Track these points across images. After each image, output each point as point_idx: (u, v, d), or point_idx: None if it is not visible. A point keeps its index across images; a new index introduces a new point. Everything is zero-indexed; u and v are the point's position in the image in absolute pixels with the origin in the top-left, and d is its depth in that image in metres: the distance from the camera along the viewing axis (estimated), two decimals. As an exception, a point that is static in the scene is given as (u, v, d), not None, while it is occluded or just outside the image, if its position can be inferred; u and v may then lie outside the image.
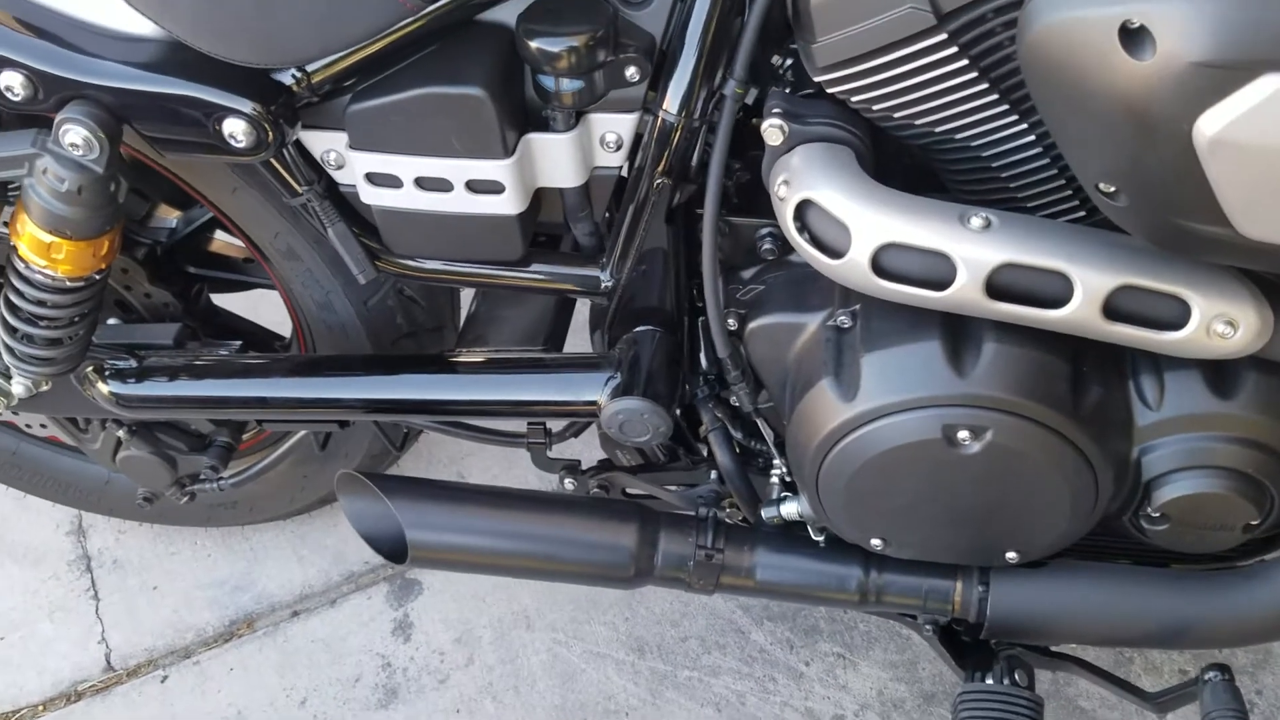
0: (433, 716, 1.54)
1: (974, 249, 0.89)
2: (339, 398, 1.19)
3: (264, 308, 1.48)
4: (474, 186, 1.01)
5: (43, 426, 1.54)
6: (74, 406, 1.29)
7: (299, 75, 0.96)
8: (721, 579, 1.16)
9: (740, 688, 1.53)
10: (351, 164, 1.03)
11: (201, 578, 1.70)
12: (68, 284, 1.06)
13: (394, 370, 1.19)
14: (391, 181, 1.02)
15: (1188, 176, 0.74)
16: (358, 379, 1.19)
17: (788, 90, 1.01)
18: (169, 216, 1.39)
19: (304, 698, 1.57)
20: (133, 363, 1.23)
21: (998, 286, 0.90)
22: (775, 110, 0.96)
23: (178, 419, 1.32)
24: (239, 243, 1.43)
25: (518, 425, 1.28)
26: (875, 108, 0.93)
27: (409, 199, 1.03)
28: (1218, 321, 0.88)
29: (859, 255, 0.92)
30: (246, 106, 0.94)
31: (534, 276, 1.13)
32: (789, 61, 1.02)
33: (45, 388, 1.22)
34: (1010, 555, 1.06)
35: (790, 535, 1.18)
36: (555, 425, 1.28)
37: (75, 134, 0.95)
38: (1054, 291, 0.90)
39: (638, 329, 1.14)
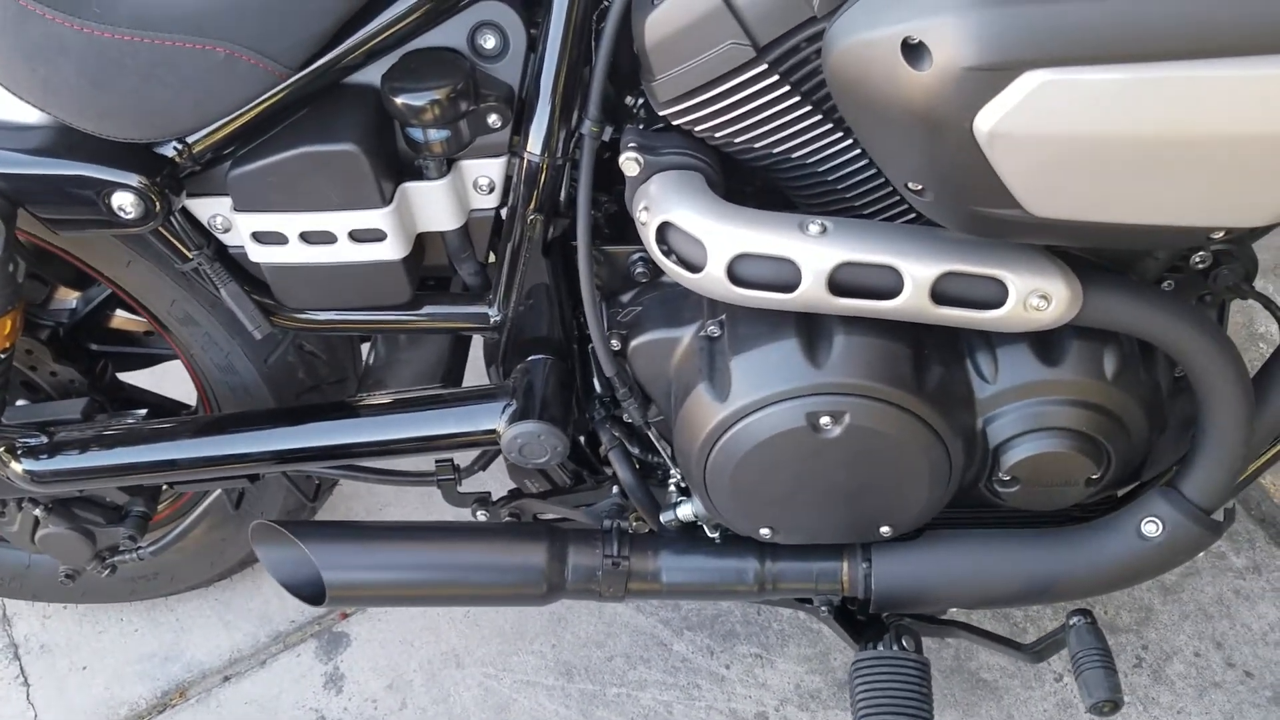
0: (371, 762, 1.57)
1: (814, 252, 0.99)
2: (246, 452, 1.25)
3: (168, 381, 1.53)
4: (357, 236, 1.09)
5: (-42, 515, 1.56)
6: (-12, 487, 1.32)
7: (180, 147, 1.03)
8: (630, 585, 1.23)
9: (666, 697, 1.59)
10: (237, 226, 1.10)
11: (130, 653, 1.72)
12: (-30, 365, 1.10)
13: (298, 420, 1.24)
14: (277, 239, 1.09)
15: (977, 168, 0.84)
16: (263, 432, 1.25)
17: (641, 126, 1.10)
18: (68, 298, 1.43)
19: (242, 758, 1.59)
20: (44, 439, 1.27)
21: (838, 284, 1.00)
22: (631, 145, 1.06)
23: (93, 490, 1.35)
24: (138, 318, 1.49)
25: (427, 464, 1.34)
26: (716, 135, 1.03)
27: (296, 254, 1.10)
28: (1033, 296, 0.98)
29: (715, 268, 1.01)
30: (133, 180, 1.00)
31: (425, 318, 1.20)
32: (640, 100, 1.11)
33: (-42, 469, 1.25)
34: (884, 529, 1.15)
35: (690, 538, 1.26)
36: (463, 460, 1.34)
37: (-31, 221, 1.00)
38: (887, 284, 1.00)
39: (530, 359, 1.22)
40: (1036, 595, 1.17)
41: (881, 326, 1.04)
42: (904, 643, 1.18)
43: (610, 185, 1.17)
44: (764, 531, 1.16)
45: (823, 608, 1.27)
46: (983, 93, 0.80)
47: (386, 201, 1.06)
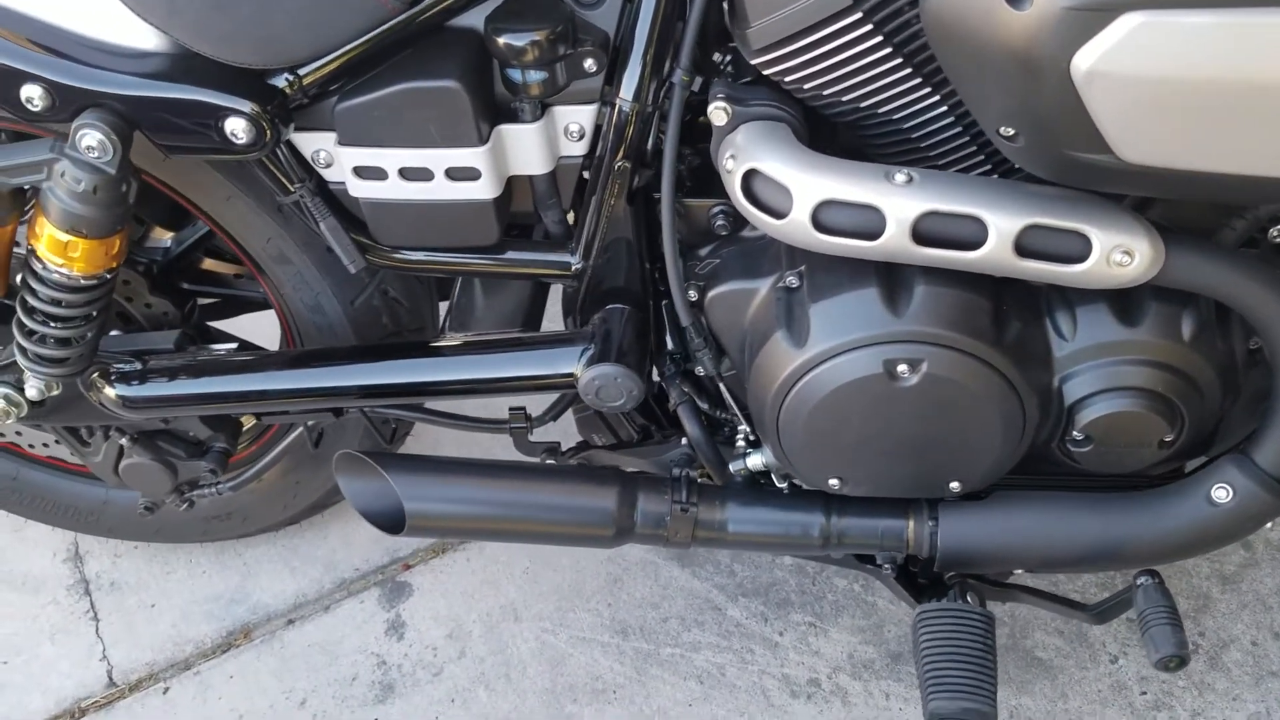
0: (429, 708, 1.61)
1: (899, 201, 1.01)
2: (331, 386, 1.29)
3: (253, 334, 1.57)
4: (453, 174, 1.12)
5: (45, 446, 1.62)
6: (82, 414, 1.37)
7: (291, 78, 1.08)
8: (697, 532, 1.26)
9: (720, 660, 1.61)
10: (340, 160, 1.14)
11: (198, 594, 1.77)
12: (82, 282, 1.15)
13: (382, 357, 1.29)
14: (377, 174, 1.13)
15: (1071, 110, 0.86)
16: (348, 367, 1.29)
17: (729, 80, 1.13)
18: (163, 238, 1.49)
19: (303, 699, 1.63)
20: (137, 365, 1.32)
21: (922, 233, 1.02)
22: (719, 95, 1.09)
23: (181, 417, 1.40)
24: (229, 264, 1.54)
25: (500, 412, 1.38)
26: (805, 86, 1.05)
27: (394, 190, 1.14)
28: (1116, 252, 1.00)
29: (800, 214, 1.04)
30: (246, 106, 1.05)
31: (509, 263, 1.24)
32: (729, 58, 1.14)
33: (56, 391, 1.30)
34: (954, 485, 1.16)
35: (757, 490, 1.28)
36: (535, 410, 1.38)
37: (91, 137, 1.05)
38: (971, 234, 1.02)
39: (608, 307, 1.25)
40: (1102, 559, 1.19)
41: (962, 279, 1.06)
42: (969, 598, 1.20)
43: (694, 140, 1.20)
44: (833, 482, 1.18)
45: (885, 565, 1.28)
46: (1082, 32, 0.82)
47: (483, 141, 1.10)
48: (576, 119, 1.14)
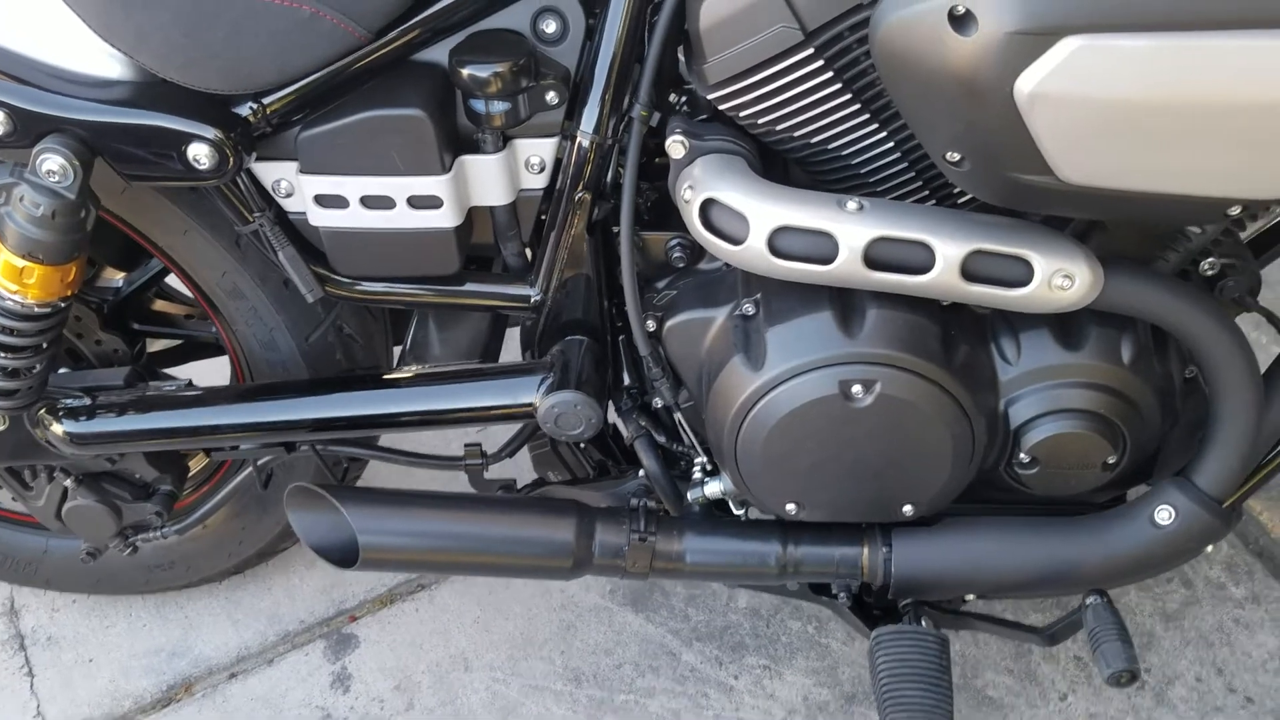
0: (376, 760, 1.57)
1: (851, 227, 1.05)
2: (283, 420, 1.28)
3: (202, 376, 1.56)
4: (415, 202, 1.14)
5: (-17, 493, 1.58)
6: (27, 452, 1.35)
7: (256, 106, 1.09)
8: (655, 562, 1.26)
9: (675, 705, 1.60)
10: (301, 189, 1.15)
11: (138, 647, 1.72)
12: (35, 310, 1.14)
13: (336, 390, 1.28)
14: (338, 202, 1.14)
15: (1014, 133, 0.90)
16: (301, 400, 1.28)
17: (686, 117, 1.17)
18: (114, 278, 1.48)
19: (246, 754, 1.59)
20: (85, 401, 1.30)
21: (873, 258, 1.05)
22: (677, 130, 1.12)
23: (129, 454, 1.38)
24: (179, 305, 1.53)
25: (455, 449, 1.38)
26: (759, 121, 1.09)
27: (355, 218, 1.15)
28: (1057, 276, 1.04)
29: (757, 240, 1.07)
30: (209, 133, 1.06)
31: (468, 294, 1.25)
32: (684, 99, 1.18)
33: (1, 426, 1.28)
34: (907, 509, 1.19)
35: (714, 520, 1.29)
36: (490, 447, 1.38)
37: (52, 161, 1.05)
38: (919, 260, 1.05)
39: (565, 339, 1.27)
40: (1052, 582, 1.21)
41: (912, 304, 1.10)
42: (922, 622, 1.21)
43: (652, 175, 1.23)
44: (790, 507, 1.20)
45: (840, 594, 1.29)
46: (1024, 56, 0.86)
47: (446, 170, 1.12)
48: (537, 152, 1.17)
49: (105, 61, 1.08)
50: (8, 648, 1.73)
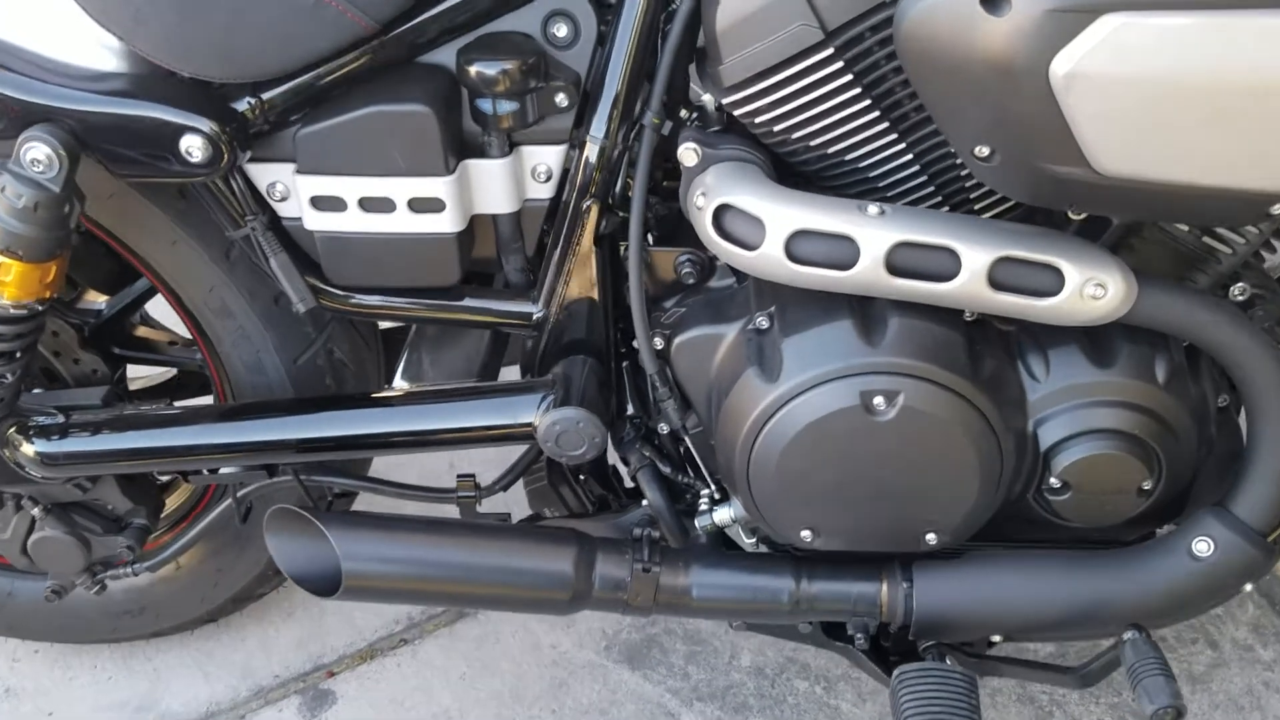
0: (352, 825, 1.46)
1: (873, 231, 1.00)
2: (268, 440, 1.21)
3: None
4: (416, 205, 1.09)
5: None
6: (-5, 475, 1.27)
7: (253, 101, 1.05)
8: (659, 596, 1.18)
9: (673, 768, 1.50)
10: (297, 192, 1.10)
11: (100, 700, 1.62)
12: (11, 311, 1.08)
13: (323, 409, 1.22)
14: (336, 205, 1.10)
15: (1048, 118, 0.87)
16: (287, 419, 1.21)
17: (698, 128, 1.13)
18: (97, 300, 1.42)
19: (211, 816, 1.48)
20: (59, 419, 1.23)
21: (895, 265, 1.01)
22: (690, 138, 1.08)
23: (103, 476, 1.30)
24: (163, 333, 1.47)
25: (447, 480, 1.31)
26: (774, 129, 1.05)
27: (353, 222, 1.10)
28: (1089, 285, 0.99)
29: (773, 245, 1.02)
30: (204, 125, 1.01)
31: (467, 310, 1.20)
32: (696, 114, 1.14)
33: (-33, 443, 1.20)
34: (930, 536, 1.11)
35: (723, 553, 1.22)
36: (484, 480, 1.31)
37: (37, 150, 1.00)
38: (944, 267, 1.00)
39: (568, 358, 1.21)
40: (1084, 620, 1.13)
41: (936, 316, 1.05)
42: (947, 661, 1.13)
43: (661, 189, 1.19)
44: (804, 534, 1.13)
45: (858, 636, 1.21)
46: (1061, 35, 0.83)
47: (449, 171, 1.07)
48: (544, 160, 1.13)
49: (98, 53, 1.04)
50: (-39, 701, 1.62)
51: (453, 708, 1.58)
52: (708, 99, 1.08)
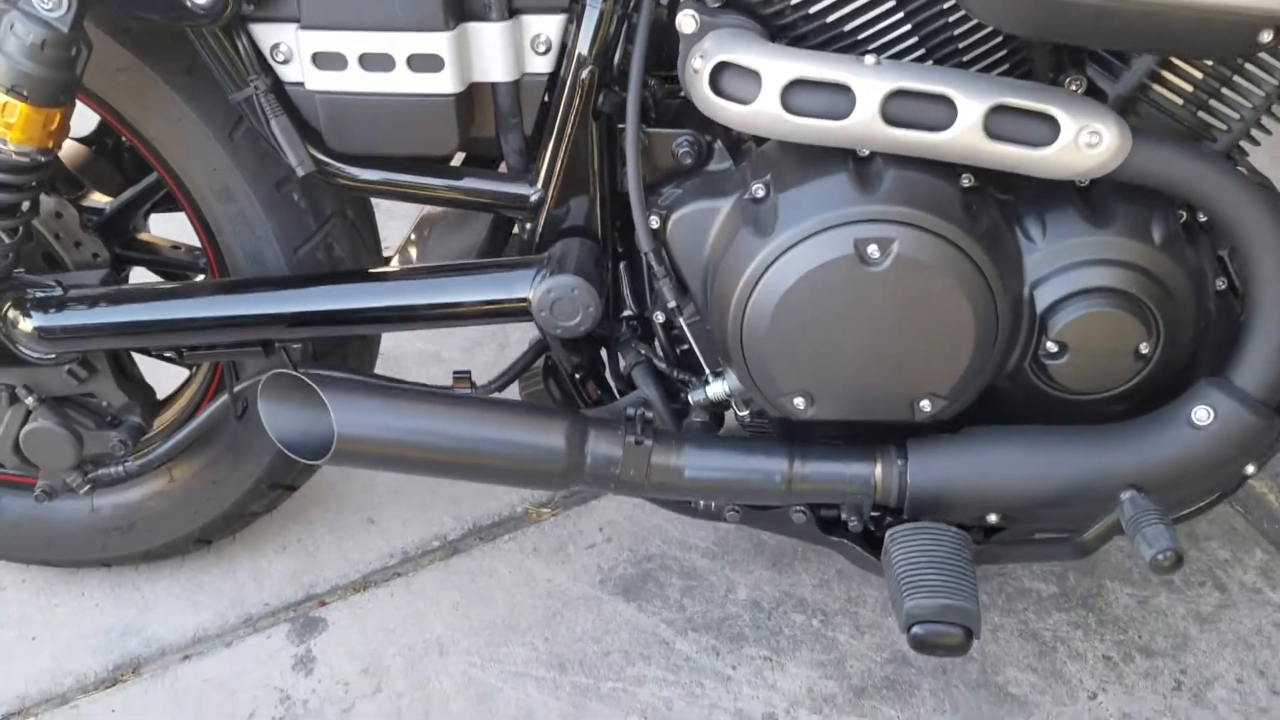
0: (336, 745, 1.43)
1: (869, 80, 1.01)
2: (265, 313, 1.21)
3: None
4: (415, 64, 1.10)
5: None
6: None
7: (261, -48, 1.07)
8: (651, 474, 1.17)
9: (667, 694, 1.46)
10: (300, 51, 1.11)
11: (86, 627, 1.59)
12: (14, 156, 1.09)
13: (321, 283, 1.22)
14: (337, 62, 1.11)
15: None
16: (284, 293, 1.21)
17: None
18: (101, 201, 1.43)
19: (192, 735, 1.44)
20: (57, 290, 1.23)
21: (891, 114, 1.01)
22: (689, 6, 1.10)
23: (103, 348, 1.29)
24: (162, 239, 1.48)
25: (443, 378, 1.30)
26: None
27: (353, 80, 1.12)
28: (1084, 133, 1.00)
29: (769, 96, 1.03)
30: (213, -35, 1.03)
31: (466, 191, 1.21)
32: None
33: (-36, 310, 1.20)
34: (924, 404, 1.10)
35: (716, 436, 1.21)
36: (480, 379, 1.30)
37: (46, -14, 1.02)
38: (940, 116, 1.01)
39: (564, 240, 1.21)
40: (1083, 494, 1.11)
41: (933, 169, 1.05)
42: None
43: (659, 69, 1.20)
44: (799, 401, 1.11)
45: (851, 519, 1.18)
46: None
47: (448, 27, 1.09)
48: (544, 29, 1.14)
49: (108, -100, 1.06)
50: (-56, 625, 1.60)
51: (445, 635, 1.55)
52: None
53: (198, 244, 1.40)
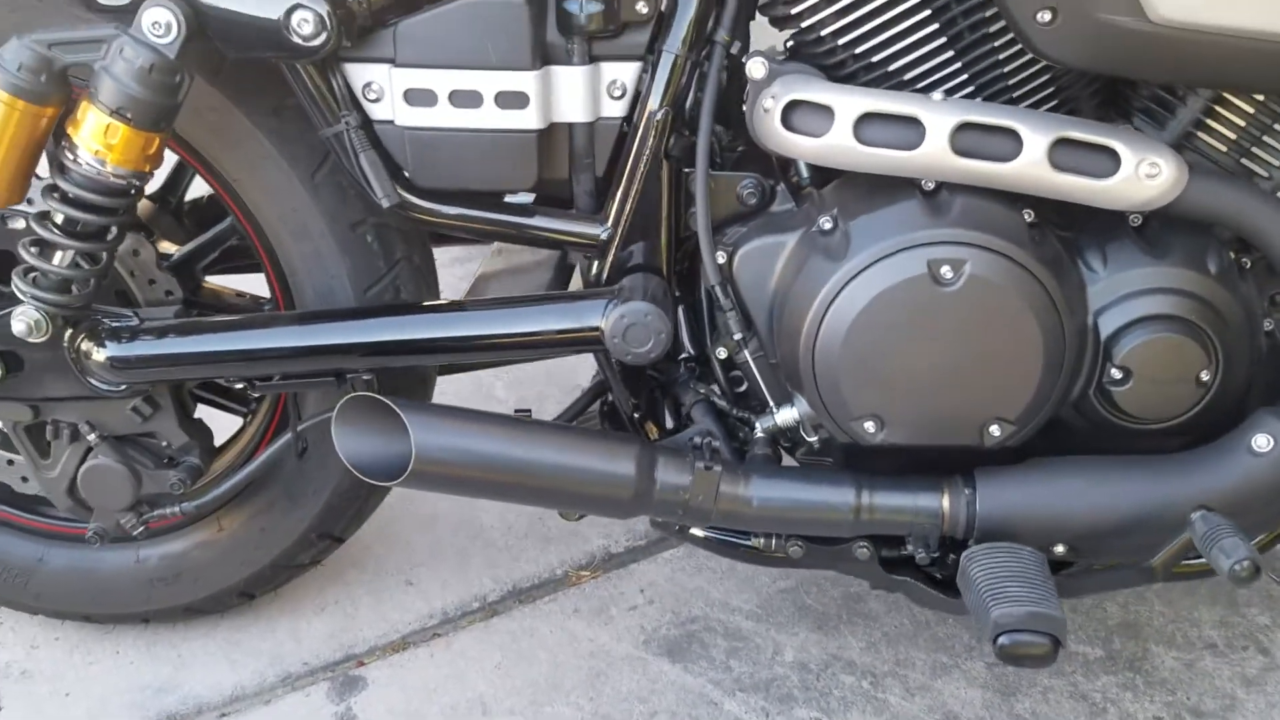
0: (378, 803, 1.39)
1: (939, 112, 1.07)
2: (338, 343, 1.24)
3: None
4: (502, 101, 1.16)
5: (-6, 468, 1.48)
6: (57, 384, 1.29)
7: (361, -6, 1.13)
8: (719, 501, 1.18)
9: (716, 752, 1.44)
10: (391, 89, 1.17)
11: (121, 684, 1.56)
12: (111, 179, 1.13)
13: (398, 313, 1.25)
14: (428, 99, 1.16)
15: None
16: (357, 323, 1.24)
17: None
18: (171, 250, 1.47)
19: (230, 793, 1.41)
20: (133, 320, 1.26)
21: (960, 145, 1.07)
22: (757, 55, 1.16)
23: (175, 379, 1.31)
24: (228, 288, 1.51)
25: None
26: (839, 41, 1.13)
27: (442, 116, 1.17)
28: (1144, 165, 1.06)
29: (842, 128, 1.09)
30: (318, 4, 1.09)
31: (539, 229, 1.25)
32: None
33: (42, 335, 1.22)
34: (993, 429, 1.13)
35: (783, 467, 1.22)
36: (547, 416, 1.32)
37: (158, 14, 1.08)
38: (1006, 148, 1.07)
39: (633, 275, 1.25)
40: (1150, 521, 1.13)
41: (999, 196, 1.10)
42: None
43: (725, 120, 1.27)
44: (869, 425, 1.14)
45: (919, 551, 1.19)
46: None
47: (535, 66, 1.15)
48: (620, 76, 1.20)
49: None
50: (-24, 681, 1.56)
51: (487, 694, 1.53)
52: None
53: (259, 294, 1.44)
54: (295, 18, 1.10)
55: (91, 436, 1.34)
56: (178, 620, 1.61)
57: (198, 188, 1.47)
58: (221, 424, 1.52)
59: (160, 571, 1.52)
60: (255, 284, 1.46)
